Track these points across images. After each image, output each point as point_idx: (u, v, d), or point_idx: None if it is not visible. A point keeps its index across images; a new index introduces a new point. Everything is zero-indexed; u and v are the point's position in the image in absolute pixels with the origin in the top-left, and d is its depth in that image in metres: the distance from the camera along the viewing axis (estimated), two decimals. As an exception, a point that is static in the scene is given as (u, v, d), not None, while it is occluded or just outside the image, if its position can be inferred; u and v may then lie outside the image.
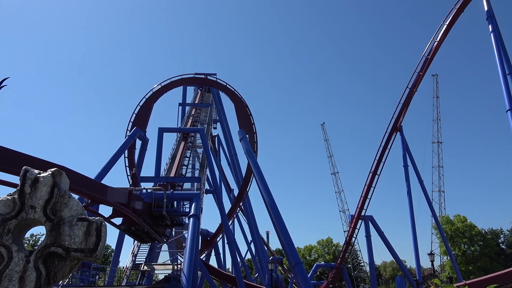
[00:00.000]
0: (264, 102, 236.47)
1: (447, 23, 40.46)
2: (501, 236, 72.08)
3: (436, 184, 71.82)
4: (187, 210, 24.05)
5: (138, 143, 39.69)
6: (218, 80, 45.55)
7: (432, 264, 29.69)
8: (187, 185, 36.25)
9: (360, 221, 44.72)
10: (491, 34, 36.28)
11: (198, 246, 24.67)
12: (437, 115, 71.92)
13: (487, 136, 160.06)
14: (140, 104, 42.03)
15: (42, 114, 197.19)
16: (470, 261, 63.55)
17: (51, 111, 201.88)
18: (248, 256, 64.96)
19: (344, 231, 70.70)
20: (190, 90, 52.20)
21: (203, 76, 47.53)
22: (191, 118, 43.78)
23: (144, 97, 42.72)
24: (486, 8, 37.10)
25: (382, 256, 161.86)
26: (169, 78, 45.39)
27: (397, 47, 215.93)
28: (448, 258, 53.55)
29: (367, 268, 55.00)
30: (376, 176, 44.37)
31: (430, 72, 64.12)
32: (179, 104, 47.32)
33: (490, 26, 36.44)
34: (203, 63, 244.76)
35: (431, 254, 28.93)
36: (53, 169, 3.42)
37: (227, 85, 44.59)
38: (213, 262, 46.91)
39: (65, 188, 3.41)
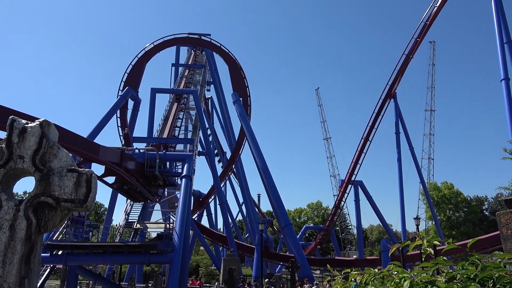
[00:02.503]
0: (258, 65, 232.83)
1: (448, -13, 39.37)
2: (486, 203, 74.25)
3: (426, 152, 72.83)
4: (180, 171, 24.20)
5: (130, 103, 39.24)
6: (212, 41, 44.55)
7: (417, 228, 30.63)
8: (179, 147, 36.27)
9: (350, 185, 45.58)
10: (492, 1, 35.50)
11: (190, 206, 25.06)
12: (431, 83, 71.67)
13: (480, 105, 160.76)
14: (132, 64, 41.17)
15: (32, 73, 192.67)
16: (454, 226, 65.77)
17: (41, 70, 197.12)
18: (240, 217, 66.54)
19: (334, 195, 72.13)
20: (184, 50, 51.01)
21: (197, 37, 46.38)
22: (184, 79, 43.08)
23: (137, 56, 41.79)
24: (489, -27, 36.09)
25: (369, 220, 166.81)
26: (162, 38, 44.27)
27: (394, 13, 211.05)
28: (433, 223, 55.30)
29: (355, 231, 56.78)
30: (368, 142, 44.77)
31: (428, 39, 63.21)
32: (172, 65, 46.41)
33: (491, -8, 35.60)
34: (197, 24, 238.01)
35: (417, 219, 29.80)
36: (41, 120, 3.33)
37: (222, 47, 43.67)
38: (204, 222, 48.00)
39: (54, 139, 3.34)
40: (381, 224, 55.22)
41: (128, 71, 40.52)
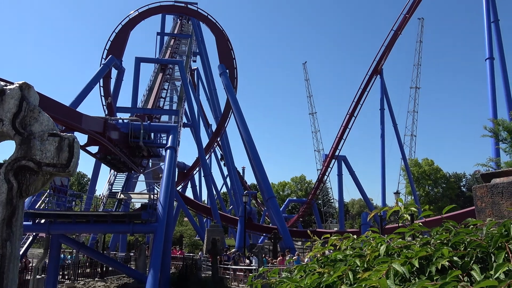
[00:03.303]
0: (245, 37, 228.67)
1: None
2: (464, 180, 76.57)
3: (409, 129, 73.89)
4: (164, 142, 24.06)
5: (114, 72, 38.35)
6: (199, 10, 43.41)
7: (397, 202, 31.53)
8: (164, 118, 35.87)
9: (333, 160, 46.22)
10: (482, -22, 35.38)
11: (174, 177, 25.08)
12: (418, 60, 71.88)
13: (464, 84, 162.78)
14: (116, 31, 39.95)
15: (10, 38, 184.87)
16: (432, 201, 67.90)
17: (20, 35, 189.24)
18: (224, 189, 67.07)
19: (318, 170, 73.15)
20: (170, 19, 49.62)
21: (183, 5, 45.07)
22: (169, 49, 42.11)
23: (120, 23, 40.52)
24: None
25: (351, 194, 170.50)
26: (147, 5, 42.88)
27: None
28: (412, 198, 56.96)
29: (336, 204, 58.18)
30: (353, 118, 45.15)
31: (416, 16, 62.89)
32: (157, 34, 45.20)
33: (481, -31, 35.40)
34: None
35: (396, 193, 30.67)
36: (20, 82, 3.24)
37: (208, 16, 42.65)
38: (189, 193, 48.28)
39: (34, 103, 3.26)
40: (362, 198, 56.56)
41: (111, 39, 39.36)
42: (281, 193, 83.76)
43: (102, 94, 37.55)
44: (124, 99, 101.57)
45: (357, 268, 2.08)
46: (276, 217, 30.36)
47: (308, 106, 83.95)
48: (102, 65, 34.87)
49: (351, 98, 45.87)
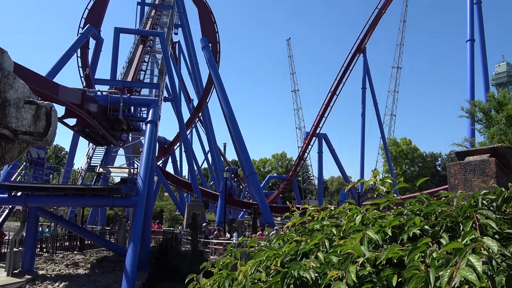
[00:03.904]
0: (229, 11, 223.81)
1: None
2: (439, 159, 78.85)
3: (390, 108, 74.92)
4: (145, 116, 23.70)
5: (92, 43, 37.09)
6: (181, -20, 41.98)
7: (374, 175, 32.28)
8: (144, 91, 35.23)
9: (314, 138, 46.66)
10: (467, -42, 35.36)
11: (155, 152, 24.89)
12: (401, 40, 72.16)
13: (445, 65, 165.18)
14: (94, -1, 38.38)
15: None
16: (408, 179, 69.81)
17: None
18: (205, 165, 67.09)
19: (298, 147, 73.79)
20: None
21: (165, -27, 43.52)
22: (150, 20, 40.84)
23: (99, -9, 38.87)
24: None
25: (330, 171, 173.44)
26: (126, -28, 41.15)
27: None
28: (390, 176, 58.44)
29: (316, 181, 59.05)
30: (335, 96, 45.36)
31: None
32: (138, 3, 43.65)
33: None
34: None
35: (374, 171, 31.32)
36: (-7, 47, 3.10)
37: (191, -14, 41.32)
38: (169, 169, 48.09)
39: (8, 69, 3.14)
40: (341, 176, 57.67)
41: (89, 7, 37.85)
42: (262, 169, 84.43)
43: (80, 65, 36.39)
44: (102, 71, 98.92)
45: (334, 236, 2.16)
46: (256, 193, 30.72)
47: (291, 83, 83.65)
48: (79, 35, 33.61)
49: (334, 76, 45.99)
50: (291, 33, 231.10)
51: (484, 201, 1.85)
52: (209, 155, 51.18)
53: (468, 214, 1.75)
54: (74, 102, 17.42)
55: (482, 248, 1.30)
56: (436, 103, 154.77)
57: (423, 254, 1.53)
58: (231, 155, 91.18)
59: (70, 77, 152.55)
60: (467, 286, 1.20)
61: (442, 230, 1.77)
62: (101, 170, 25.60)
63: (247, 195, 52.83)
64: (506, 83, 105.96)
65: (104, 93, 23.04)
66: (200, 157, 65.08)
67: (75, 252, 24.43)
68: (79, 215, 29.72)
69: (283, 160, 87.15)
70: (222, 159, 59.68)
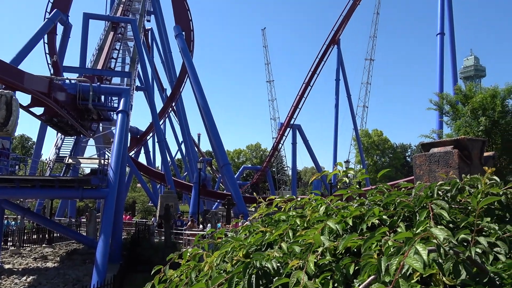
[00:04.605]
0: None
1: None
2: (409, 150, 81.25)
3: (362, 100, 76.31)
4: (116, 105, 23.12)
5: (60, 29, 35.67)
6: (153, -35, 40.85)
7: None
8: (116, 80, 34.37)
9: (288, 129, 47.03)
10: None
11: (126, 142, 24.38)
12: (374, 32, 73.31)
13: (416, 57, 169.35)
14: (61, -18, 36.78)
15: None
16: (379, 170, 71.64)
17: None
18: (179, 156, 66.38)
19: (273, 138, 74.13)
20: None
21: (137, -41, 42.22)
22: (121, 6, 39.64)
23: (66, -26, 37.26)
24: None
25: (304, 162, 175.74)
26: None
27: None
28: (361, 166, 59.79)
29: (290, 172, 59.67)
30: (309, 87, 45.78)
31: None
32: (108, -12, 42.29)
33: None
34: None
35: (346, 162, 32.00)
36: None
37: (164, -27, 40.29)
38: (142, 159, 47.32)
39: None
40: (314, 166, 58.51)
41: (56, -9, 36.27)
42: (236, 160, 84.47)
43: (47, 51, 34.97)
44: (71, 59, 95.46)
45: (298, 227, 2.19)
46: (230, 184, 30.75)
47: (266, 73, 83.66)
48: (46, 20, 32.20)
49: (309, 66, 46.27)
50: (266, 23, 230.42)
51: (439, 192, 1.92)
52: (182, 146, 50.63)
53: (424, 204, 1.82)
54: (40, 91, 16.77)
55: (432, 237, 1.35)
56: (407, 95, 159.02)
57: (380, 243, 1.59)
58: (205, 145, 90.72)
59: (37, 65, 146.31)
60: (418, 273, 1.25)
61: (399, 220, 1.83)
62: (70, 161, 24.87)
63: (222, 186, 52.82)
64: (474, 76, 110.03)
65: (73, 81, 22.30)
66: (173, 147, 64.48)
67: (44, 245, 23.76)
68: (48, 207, 28.86)
69: (258, 151, 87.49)
70: (196, 149, 59.23)
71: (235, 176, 44.28)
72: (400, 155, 75.23)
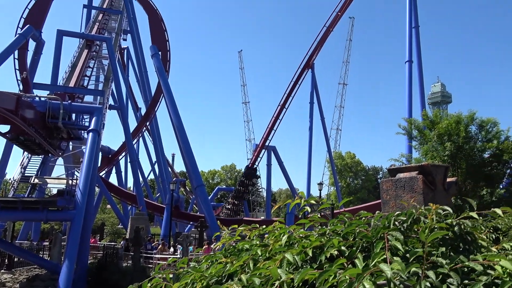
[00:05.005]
0: (181, 19, 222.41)
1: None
2: (380, 172, 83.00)
3: (336, 123, 77.98)
4: (87, 124, 22.60)
5: (32, 45, 34.94)
6: (131, -15, 41.06)
7: (320, 193, 33.30)
8: (88, 98, 33.68)
9: (263, 150, 47.18)
10: (407, -14, 38.09)
11: (97, 162, 23.79)
12: (347, 58, 75.81)
13: (387, 83, 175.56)
14: (36, -1, 36.36)
15: None
16: (352, 192, 72.70)
17: None
18: (152, 176, 65.12)
19: (248, 159, 74.19)
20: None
21: (114, -22, 42.39)
22: (97, 24, 39.41)
23: (41, -10, 36.90)
24: (406, -41, 38.40)
25: (279, 184, 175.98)
26: (73, -27, 39.50)
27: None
28: (335, 188, 60.42)
29: (264, 194, 59.53)
30: (284, 109, 46.35)
31: (348, 14, 66.01)
32: (84, 6, 42.04)
33: (407, -23, 38.09)
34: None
35: (320, 184, 32.26)
36: None
37: (141, -7, 40.54)
38: (113, 180, 46.12)
39: None
40: (289, 188, 58.68)
41: (29, 7, 35.78)
42: (210, 181, 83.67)
43: (17, 67, 34.09)
44: (43, 75, 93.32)
45: (260, 257, 2.16)
46: (204, 206, 30.28)
47: (242, 95, 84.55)
48: (17, 35, 31.51)
49: (285, 88, 47.01)
50: (243, 45, 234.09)
51: (396, 222, 1.95)
52: (156, 166, 49.79)
53: (382, 235, 1.84)
54: (7, 108, 16.24)
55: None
56: (379, 119, 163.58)
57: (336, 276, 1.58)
58: (179, 166, 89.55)
59: (6, 81, 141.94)
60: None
61: (358, 251, 1.84)
62: (36, 180, 23.90)
63: (195, 207, 51.98)
64: (441, 102, 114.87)
65: (42, 98, 21.71)
66: (146, 168, 63.21)
67: (2, 270, 22.39)
68: (10, 229, 27.45)
69: (232, 172, 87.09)
70: (170, 170, 58.36)
71: (209, 198, 43.75)
72: (372, 177, 76.70)
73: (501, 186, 16.07)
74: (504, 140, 16.14)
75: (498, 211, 2.04)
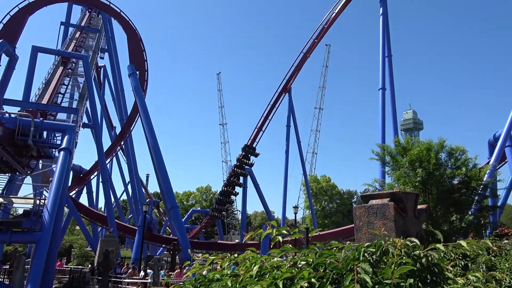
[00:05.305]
0: (160, 40, 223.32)
1: (346, -2, 42.78)
2: (355, 196, 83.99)
3: (312, 146, 78.96)
4: (59, 142, 21.95)
5: (4, 59, 34.04)
6: (111, 5, 41.03)
7: (295, 216, 33.26)
8: (61, 116, 32.86)
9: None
10: (380, 16, 39.75)
11: (67, 181, 23.00)
12: (323, 83, 77.64)
13: (362, 108, 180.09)
14: (11, 14, 35.73)
15: None
16: (327, 215, 73.02)
17: None
18: (124, 197, 63.47)
19: (224, 181, 73.67)
20: (77, 9, 46.08)
21: (95, -3, 42.31)
22: (74, 41, 38.98)
23: (17, 6, 36.35)
24: (380, -9, 40.25)
25: (254, 206, 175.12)
26: (52, -10, 39.22)
27: (296, 16, 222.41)
28: (310, 212, 60.54)
29: (239, 216, 58.98)
30: (261, 132, 46.67)
31: (324, 42, 68.05)
32: (62, 23, 41.63)
33: (381, 8, 39.79)
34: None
35: (295, 207, 32.27)
36: None
37: (121, 13, 40.57)
38: (84, 200, 44.64)
39: None
40: (264, 211, 58.38)
41: (4, 22, 35.08)
42: (185, 203, 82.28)
43: (-13, 82, 33.00)
44: (15, 91, 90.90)
45: (230, 288, 2.12)
46: (177, 228, 29.62)
47: (219, 116, 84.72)
48: (-11, 50, 30.70)
49: (262, 112, 47.50)
50: (222, 67, 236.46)
51: (366, 254, 1.97)
52: (129, 186, 48.62)
53: (351, 267, 1.85)
54: (-27, 124, 15.60)
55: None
56: (354, 143, 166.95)
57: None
58: (153, 187, 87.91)
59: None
60: None
61: (328, 282, 1.84)
62: (1, 200, 22.80)
63: (168, 229, 50.78)
64: (413, 128, 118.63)
65: (12, 115, 21.03)
66: (119, 188, 61.70)
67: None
68: (-32, 251, 25.85)
69: (208, 194, 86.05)
70: (144, 191, 57.14)
71: (183, 220, 42.89)
72: (347, 201, 77.44)
73: (470, 212, 16.52)
74: (472, 168, 16.72)
75: (463, 243, 2.10)
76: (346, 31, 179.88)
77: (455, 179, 16.70)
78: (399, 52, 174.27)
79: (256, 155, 46.55)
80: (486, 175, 17.21)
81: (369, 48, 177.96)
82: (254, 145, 46.55)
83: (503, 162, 32.64)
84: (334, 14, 45.03)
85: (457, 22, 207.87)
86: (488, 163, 27.07)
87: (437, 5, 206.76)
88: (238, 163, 45.55)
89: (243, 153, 45.57)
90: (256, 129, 46.72)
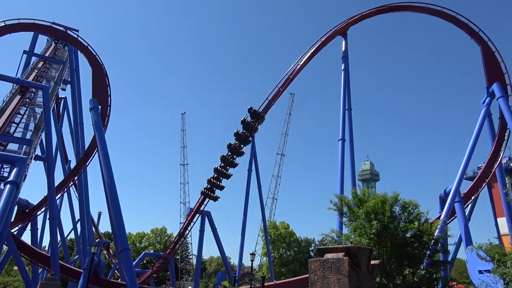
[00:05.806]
0: (124, 75, 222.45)
1: (311, 51, 45.12)
2: (313, 244, 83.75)
3: (272, 192, 79.12)
4: (6, 175, 20.61)
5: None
6: (79, 38, 40.73)
7: (252, 263, 32.45)
8: (13, 146, 31.14)
9: (198, 214, 45.83)
10: (342, 72, 42.02)
11: (10, 217, 21.38)
12: (286, 130, 79.59)
13: (322, 157, 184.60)
14: (-30, 38, 34.55)
15: None
16: (284, 263, 71.81)
17: None
18: (72, 235, 59.60)
19: (180, 223, 71.44)
20: (43, 39, 45.30)
21: (62, 29, 41.91)
22: (36, 71, 37.97)
23: (-22, 31, 35.26)
24: (343, 49, 42.84)
25: (210, 251, 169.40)
26: (19, 19, 38.53)
27: (263, 64, 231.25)
28: (267, 259, 59.39)
29: (195, 261, 56.68)
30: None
31: (289, 91, 70.70)
32: (25, 52, 40.64)
33: (343, 65, 42.14)
34: (63, 13, 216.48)
35: (252, 254, 31.53)
36: None
37: (89, 47, 40.26)
38: (27, 237, 41.33)
39: None
40: (220, 256, 56.59)
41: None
42: (137, 244, 78.33)
43: None
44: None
45: None
46: (126, 272, 27.83)
47: (181, 156, 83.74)
48: None
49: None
50: (185, 107, 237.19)
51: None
52: (78, 225, 45.81)
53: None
54: None
55: None
56: (314, 191, 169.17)
57: None
58: (105, 226, 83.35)
59: None
60: None
61: None
62: None
63: (117, 273, 47.70)
64: (370, 179, 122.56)
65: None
66: (67, 226, 58.06)
67: None
68: None
69: (163, 236, 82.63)
70: (94, 230, 53.99)
71: (134, 263, 40.56)
72: (304, 249, 76.94)
73: (422, 267, 16.84)
74: (424, 222, 17.29)
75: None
76: (311, 83, 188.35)
77: (408, 233, 17.13)
78: (358, 105, 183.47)
79: (215, 199, 45.73)
80: (437, 230, 17.82)
81: (331, 99, 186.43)
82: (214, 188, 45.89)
83: (453, 217, 34.10)
84: (299, 66, 47.10)
85: (414, 77, 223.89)
86: (439, 217, 28.18)
87: (395, 64, 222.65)
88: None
89: (251, 115, 44.19)
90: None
